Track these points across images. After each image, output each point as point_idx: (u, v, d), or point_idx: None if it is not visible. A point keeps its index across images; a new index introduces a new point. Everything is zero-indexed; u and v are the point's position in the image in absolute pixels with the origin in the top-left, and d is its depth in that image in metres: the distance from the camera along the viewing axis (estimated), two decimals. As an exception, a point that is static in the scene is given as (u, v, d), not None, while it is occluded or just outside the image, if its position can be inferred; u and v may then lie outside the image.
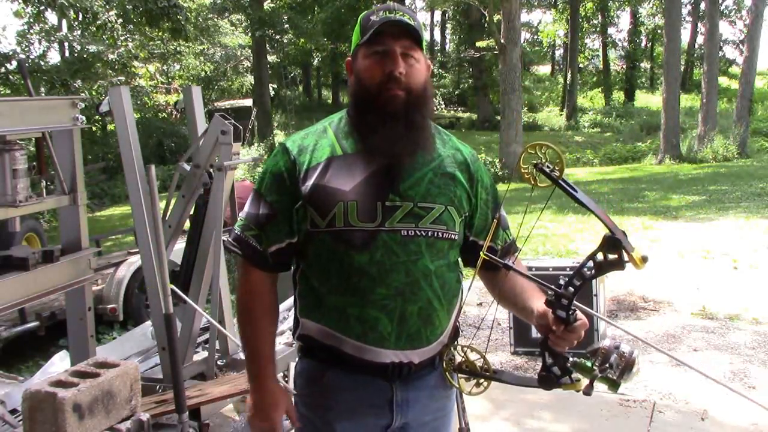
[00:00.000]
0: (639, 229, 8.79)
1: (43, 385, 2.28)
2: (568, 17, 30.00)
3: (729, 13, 31.38)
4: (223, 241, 3.34)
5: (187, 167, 3.50)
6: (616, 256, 1.44)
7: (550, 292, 1.50)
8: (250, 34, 21.95)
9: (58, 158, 3.12)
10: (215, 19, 19.71)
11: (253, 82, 23.18)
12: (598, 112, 28.07)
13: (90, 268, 3.23)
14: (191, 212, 3.59)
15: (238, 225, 1.68)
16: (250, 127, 19.96)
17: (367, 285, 1.55)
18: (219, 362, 3.60)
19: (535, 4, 34.21)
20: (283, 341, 3.86)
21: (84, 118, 3.26)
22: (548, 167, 1.50)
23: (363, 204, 1.55)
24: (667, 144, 17.97)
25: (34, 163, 3.24)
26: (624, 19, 41.72)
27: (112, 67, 15.38)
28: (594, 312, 4.18)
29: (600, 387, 1.49)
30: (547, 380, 1.55)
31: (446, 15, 33.19)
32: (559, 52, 38.16)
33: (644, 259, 1.43)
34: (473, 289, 1.74)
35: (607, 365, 1.47)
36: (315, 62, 30.99)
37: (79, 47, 14.72)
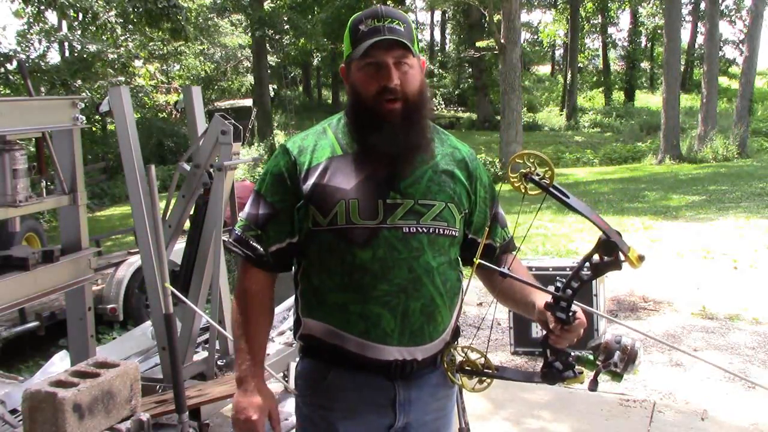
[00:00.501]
0: (639, 229, 8.79)
1: (43, 385, 2.28)
2: (568, 17, 30.00)
3: (729, 13, 31.30)
4: (224, 241, 3.34)
5: (187, 167, 3.50)
6: (612, 257, 1.45)
7: (549, 297, 1.50)
8: (250, 34, 21.95)
9: (58, 158, 3.13)
10: (215, 19, 19.72)
11: (253, 82, 23.21)
12: (598, 112, 28.07)
13: (90, 268, 3.24)
14: (191, 212, 3.59)
15: (239, 225, 1.69)
16: (250, 127, 19.92)
17: (369, 282, 1.56)
18: (219, 362, 3.59)
19: (535, 4, 34.20)
20: (283, 341, 3.87)
21: (84, 118, 3.26)
22: (537, 175, 1.50)
23: (364, 202, 1.57)
24: (667, 144, 17.93)
25: (34, 163, 3.24)
26: (624, 19, 41.70)
27: (112, 67, 15.41)
28: (596, 311, 4.18)
29: (600, 387, 1.49)
30: (550, 375, 1.55)
31: (446, 15, 33.16)
32: (559, 52, 38.24)
33: (641, 258, 1.43)
34: (473, 289, 1.75)
35: (611, 361, 1.48)
36: (315, 62, 31.04)
37: (79, 47, 14.72)
